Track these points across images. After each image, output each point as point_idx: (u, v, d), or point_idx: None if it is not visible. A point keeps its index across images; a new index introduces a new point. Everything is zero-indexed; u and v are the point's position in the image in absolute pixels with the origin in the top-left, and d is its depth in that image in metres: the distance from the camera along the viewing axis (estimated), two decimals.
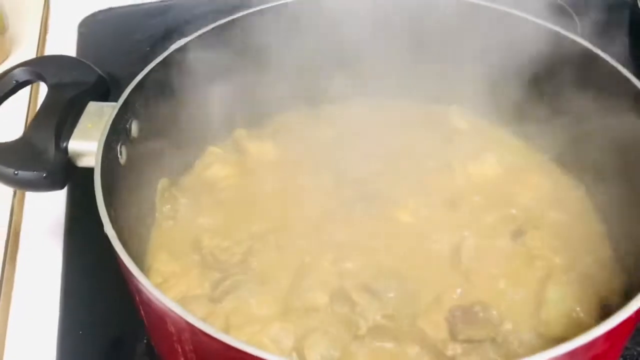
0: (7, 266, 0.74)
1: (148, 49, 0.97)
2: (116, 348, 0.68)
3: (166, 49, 0.67)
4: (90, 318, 0.70)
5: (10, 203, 0.79)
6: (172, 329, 0.48)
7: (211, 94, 0.73)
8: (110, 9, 1.10)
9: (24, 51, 1.01)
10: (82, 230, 0.72)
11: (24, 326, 0.69)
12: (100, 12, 1.09)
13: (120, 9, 1.10)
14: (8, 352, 0.67)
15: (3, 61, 0.98)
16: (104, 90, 0.67)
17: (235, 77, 0.74)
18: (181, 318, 0.45)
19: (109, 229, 0.51)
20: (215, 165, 0.75)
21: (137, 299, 0.52)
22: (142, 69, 0.65)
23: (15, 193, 0.80)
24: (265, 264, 0.64)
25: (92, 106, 0.64)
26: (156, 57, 0.66)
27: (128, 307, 0.58)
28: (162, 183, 0.71)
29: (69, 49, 1.02)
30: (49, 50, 1.03)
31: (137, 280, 0.48)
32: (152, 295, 0.47)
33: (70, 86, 0.65)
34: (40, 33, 1.06)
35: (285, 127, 0.79)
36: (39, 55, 1.01)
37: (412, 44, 0.76)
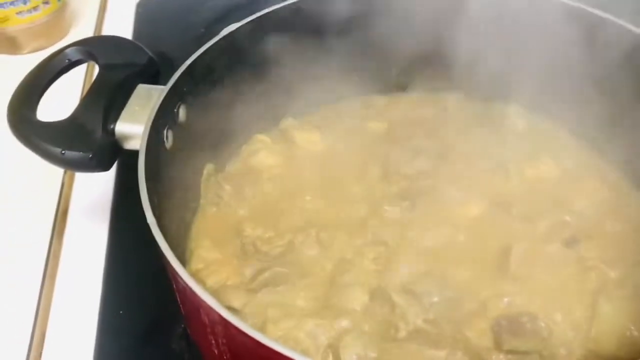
0: (54, 242, 0.75)
1: (203, 30, 0.97)
2: (154, 329, 0.68)
3: (220, 30, 0.66)
4: (131, 298, 0.70)
5: (60, 181, 0.80)
6: (205, 319, 0.47)
7: (261, 80, 0.73)
8: None
9: (83, 29, 1.03)
10: (128, 212, 0.72)
11: (67, 302, 0.70)
12: None
13: None
14: (51, 327, 0.68)
15: (62, 38, 0.99)
16: (154, 73, 0.67)
17: (287, 64, 0.73)
18: (214, 310, 0.44)
19: (149, 215, 0.51)
20: (261, 153, 0.74)
21: (174, 285, 0.52)
22: (196, 51, 0.64)
23: (65, 171, 0.81)
24: (306, 258, 0.62)
25: (141, 88, 0.64)
26: (210, 39, 0.65)
27: (168, 291, 0.58)
28: (208, 169, 0.71)
29: (126, 28, 1.02)
30: (107, 29, 1.04)
31: (173, 268, 0.47)
32: (187, 284, 0.46)
33: (121, 67, 0.64)
34: (99, 11, 1.07)
35: (335, 118, 0.78)
36: (96, 33, 1.02)
37: (473, 38, 0.72)
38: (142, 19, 1.05)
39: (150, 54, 0.67)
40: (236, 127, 0.73)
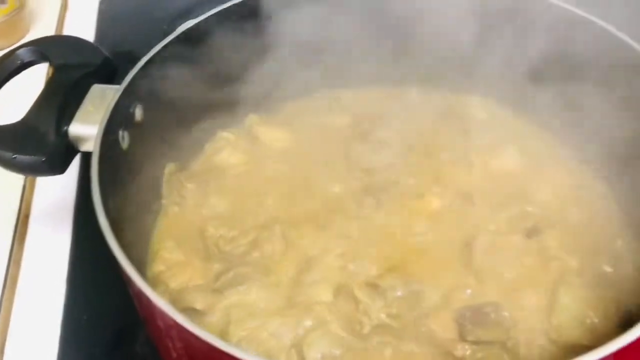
0: (15, 249, 0.73)
1: (166, 27, 0.95)
2: (120, 335, 0.67)
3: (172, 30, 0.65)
4: (95, 304, 0.69)
5: (21, 185, 0.79)
6: (161, 324, 0.46)
7: (223, 77, 0.71)
8: None
9: (43, 29, 1.00)
10: (91, 215, 0.71)
11: (29, 309, 0.69)
12: None
13: None
14: (12, 335, 0.66)
15: (20, 39, 0.97)
16: (111, 73, 0.66)
17: (249, 60, 0.72)
18: (168, 315, 0.43)
19: (101, 218, 0.50)
20: (225, 151, 0.73)
21: (130, 290, 0.51)
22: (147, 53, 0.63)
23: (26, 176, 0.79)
24: (269, 256, 0.62)
25: (96, 89, 0.62)
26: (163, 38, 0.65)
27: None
28: (169, 168, 0.70)
29: (89, 27, 1.01)
30: (68, 29, 1.02)
31: (126, 272, 0.46)
32: (141, 289, 0.45)
33: (75, 68, 0.63)
34: (60, 11, 1.05)
35: (299, 114, 0.77)
36: (57, 34, 1.00)
37: (434, 32, 0.72)
38: (105, 17, 1.03)
39: (105, 53, 0.66)
40: (198, 125, 0.72)
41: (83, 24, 1.01)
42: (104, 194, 0.53)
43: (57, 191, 0.79)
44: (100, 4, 1.05)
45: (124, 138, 0.61)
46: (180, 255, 0.64)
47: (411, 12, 0.69)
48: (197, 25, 0.68)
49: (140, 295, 0.46)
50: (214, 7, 0.69)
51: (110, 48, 0.82)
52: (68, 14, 1.06)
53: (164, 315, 0.44)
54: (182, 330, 0.43)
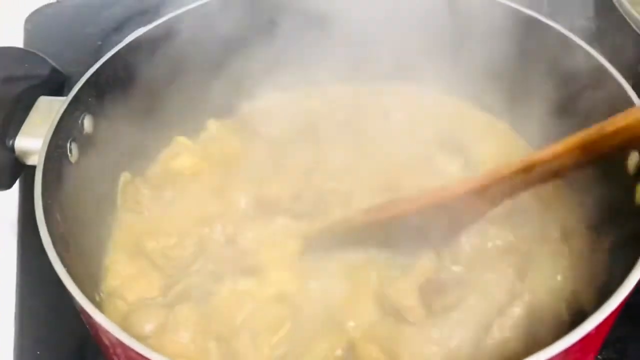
0: None
1: (100, 43, 0.92)
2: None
3: (119, 42, 0.64)
4: (49, 336, 0.67)
5: None
6: (106, 342, 0.45)
7: (176, 84, 0.70)
8: (58, 2, 1.03)
9: None
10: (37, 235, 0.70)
11: None
12: (47, 6, 1.02)
13: (69, 1, 1.03)
14: None
15: None
16: (58, 84, 0.65)
17: (201, 65, 0.71)
18: (110, 333, 0.42)
19: (44, 235, 0.49)
20: (182, 156, 0.72)
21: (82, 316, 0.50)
22: (94, 64, 0.62)
23: None
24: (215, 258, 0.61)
25: (43, 101, 0.61)
26: (109, 50, 0.63)
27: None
28: (125, 177, 0.68)
29: (15, 45, 0.95)
30: None
31: (67, 289, 0.45)
32: (83, 307, 0.44)
33: (21, 80, 0.62)
34: None
35: (255, 117, 0.75)
36: None
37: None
38: (32, 35, 0.99)
39: (53, 64, 0.65)
40: (153, 132, 0.71)
41: (9, 43, 0.93)
42: (50, 209, 0.52)
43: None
44: (26, 22, 1.00)
45: (72, 151, 0.59)
46: (132, 268, 0.63)
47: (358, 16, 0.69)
48: (144, 35, 0.66)
49: (83, 313, 0.45)
50: (149, 20, 0.67)
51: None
52: None
53: (106, 332, 0.43)
54: (126, 348, 0.42)
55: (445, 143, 0.70)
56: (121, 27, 0.67)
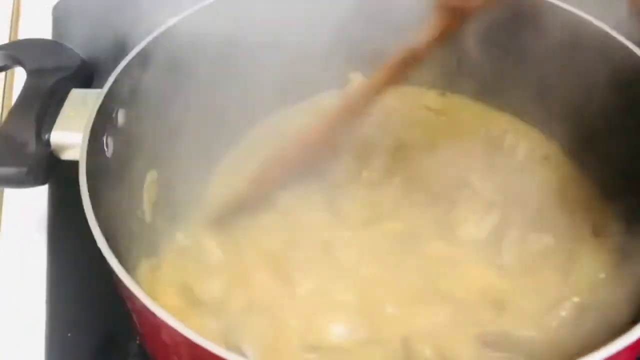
0: None
1: (128, 31, 0.90)
2: (108, 349, 0.64)
3: (147, 30, 0.63)
4: (79, 318, 0.65)
5: None
6: (167, 339, 0.44)
7: (207, 75, 0.68)
8: None
9: None
10: (66, 227, 0.68)
11: (9, 330, 0.65)
12: None
13: None
14: None
15: None
16: (88, 76, 0.63)
17: (235, 56, 0.69)
18: (178, 332, 0.41)
19: (97, 233, 0.47)
20: None
21: (129, 305, 0.48)
22: (124, 53, 0.61)
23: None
24: None
25: (75, 93, 0.59)
26: (135, 40, 0.62)
27: (118, 306, 0.54)
28: (151, 175, 0.67)
29: (44, 35, 0.94)
30: (22, 37, 0.96)
31: (129, 289, 0.44)
32: (145, 305, 0.43)
33: (51, 72, 0.60)
34: (11, 18, 0.99)
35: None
36: (11, 40, 0.95)
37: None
38: (61, 23, 0.96)
39: (82, 56, 0.63)
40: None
41: (38, 31, 0.95)
42: (93, 205, 0.51)
43: (28, 202, 0.74)
44: (54, 10, 0.98)
45: (108, 145, 0.58)
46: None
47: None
48: (180, 22, 0.65)
49: (143, 311, 0.44)
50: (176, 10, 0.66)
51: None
52: (21, 23, 0.99)
53: (173, 331, 0.42)
54: (193, 346, 0.41)
55: None
56: (150, 15, 0.65)
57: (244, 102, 0.71)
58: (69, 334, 0.64)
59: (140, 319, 0.48)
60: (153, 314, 0.42)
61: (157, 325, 0.43)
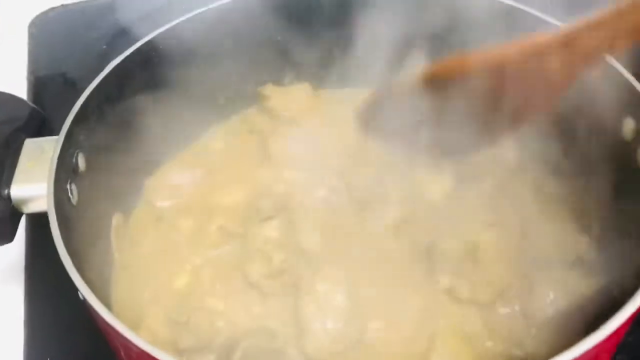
0: None
1: (105, 47, 0.90)
2: None
3: (123, 45, 0.63)
4: (58, 332, 0.65)
5: None
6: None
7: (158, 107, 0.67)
8: (63, 6, 1.01)
9: None
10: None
11: None
12: (51, 9, 1.01)
13: (73, 5, 1.02)
14: None
15: None
16: (38, 125, 0.60)
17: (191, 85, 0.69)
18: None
19: (79, 282, 0.45)
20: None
21: (123, 353, 0.46)
22: (101, 68, 0.61)
23: None
24: None
25: (30, 143, 0.57)
26: (113, 55, 0.62)
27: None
28: (117, 219, 0.65)
29: (20, 50, 0.94)
30: None
31: (124, 337, 0.42)
32: (145, 351, 0.41)
33: (3, 124, 0.57)
34: None
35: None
36: None
37: None
38: (37, 39, 0.96)
39: (31, 104, 0.61)
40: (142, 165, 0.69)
41: (14, 48, 0.94)
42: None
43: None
44: (30, 26, 0.98)
45: (72, 192, 0.56)
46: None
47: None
48: (126, 58, 0.64)
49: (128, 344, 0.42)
50: (150, 26, 0.66)
51: (45, 71, 0.80)
52: None
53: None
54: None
55: None
56: (126, 31, 0.64)
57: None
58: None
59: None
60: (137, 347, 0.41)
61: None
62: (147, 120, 0.67)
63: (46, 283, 0.67)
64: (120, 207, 0.66)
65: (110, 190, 0.64)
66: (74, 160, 0.57)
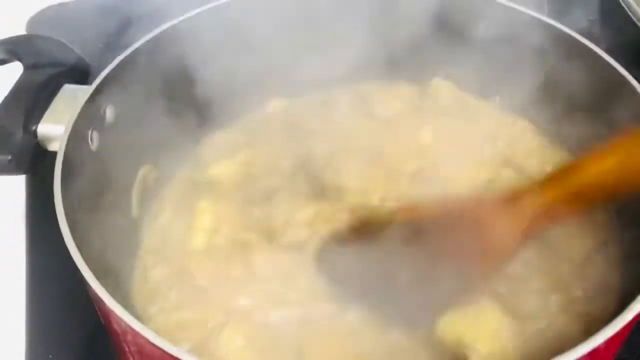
0: None
1: (101, 46, 0.91)
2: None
3: (122, 45, 0.65)
4: (60, 314, 0.68)
5: None
6: (117, 328, 0.45)
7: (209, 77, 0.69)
8: (61, 4, 1.02)
9: None
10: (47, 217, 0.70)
11: None
12: (49, 8, 1.00)
13: (72, 4, 1.01)
14: None
15: None
16: (83, 73, 0.65)
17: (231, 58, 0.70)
18: (122, 319, 0.42)
19: (62, 221, 0.49)
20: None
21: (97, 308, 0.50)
22: (98, 67, 0.63)
23: None
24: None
25: (67, 89, 0.62)
26: (111, 54, 0.64)
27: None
28: (144, 171, 0.69)
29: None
30: None
31: (83, 277, 0.45)
32: (97, 294, 0.44)
33: (46, 67, 0.62)
34: None
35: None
36: None
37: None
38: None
39: (78, 53, 0.65)
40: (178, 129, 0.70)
41: None
42: (69, 195, 0.53)
43: (5, 193, 0.76)
44: (28, 25, 0.98)
45: (93, 139, 0.60)
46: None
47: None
48: (174, 25, 0.67)
49: (97, 300, 0.45)
50: (151, 26, 0.67)
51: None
52: None
53: (118, 319, 0.43)
54: (136, 335, 0.42)
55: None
56: (124, 31, 0.66)
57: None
58: (48, 342, 0.66)
59: (97, 307, 0.49)
60: (102, 300, 0.44)
61: (106, 312, 0.44)
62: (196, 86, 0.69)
63: (49, 277, 0.69)
64: (151, 161, 0.69)
65: (140, 144, 0.67)
66: (102, 110, 0.61)
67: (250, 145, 0.71)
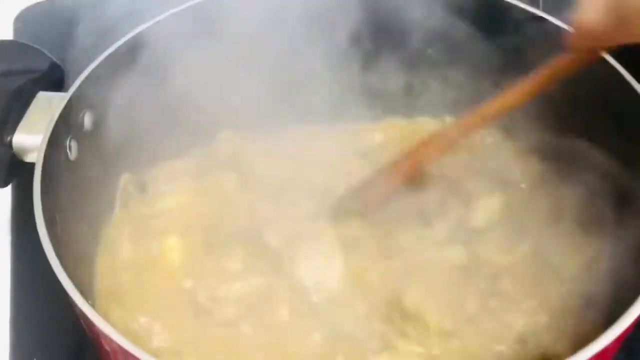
0: None
1: (91, 42, 0.87)
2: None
3: (110, 41, 0.62)
4: (45, 327, 0.65)
5: None
6: (108, 348, 0.43)
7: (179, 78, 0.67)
8: (49, 0, 0.99)
9: None
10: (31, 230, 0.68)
11: None
12: (37, 4, 0.98)
13: (59, 0, 0.99)
14: None
15: None
16: (58, 79, 0.63)
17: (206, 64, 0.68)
18: (111, 339, 0.40)
19: (43, 235, 0.47)
20: None
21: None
22: (87, 66, 0.60)
23: None
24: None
25: (42, 96, 0.59)
26: (99, 51, 0.61)
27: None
28: (124, 178, 0.66)
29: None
30: None
31: (68, 294, 0.43)
32: (83, 312, 0.42)
33: (19, 74, 0.60)
34: None
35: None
36: None
37: None
38: (22, 35, 0.94)
39: (53, 58, 0.63)
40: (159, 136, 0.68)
41: None
42: (49, 208, 0.50)
43: None
44: (16, 21, 0.96)
45: (71, 148, 0.58)
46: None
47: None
48: (148, 28, 0.64)
49: (83, 318, 0.43)
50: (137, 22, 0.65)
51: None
52: None
53: (107, 339, 0.41)
54: (128, 355, 0.40)
55: None
56: (113, 27, 0.64)
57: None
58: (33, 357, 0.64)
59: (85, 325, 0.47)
60: (91, 323, 0.42)
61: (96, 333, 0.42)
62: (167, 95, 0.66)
63: (33, 282, 0.67)
64: (130, 168, 0.67)
65: (120, 151, 0.65)
66: (79, 118, 0.59)
67: None
